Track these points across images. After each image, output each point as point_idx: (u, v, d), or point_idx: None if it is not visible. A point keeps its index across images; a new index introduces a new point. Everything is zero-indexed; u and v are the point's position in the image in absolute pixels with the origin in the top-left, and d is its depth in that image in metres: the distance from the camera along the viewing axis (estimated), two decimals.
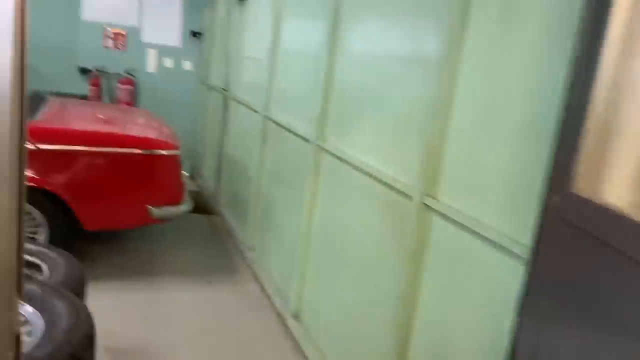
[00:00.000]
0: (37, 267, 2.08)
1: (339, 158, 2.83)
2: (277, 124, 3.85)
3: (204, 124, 6.34)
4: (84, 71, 5.89)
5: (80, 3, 5.78)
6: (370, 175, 2.48)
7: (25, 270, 2.11)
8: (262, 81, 4.13)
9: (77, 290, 1.96)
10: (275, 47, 3.95)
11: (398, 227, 2.24)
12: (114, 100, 6.07)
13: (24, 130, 0.97)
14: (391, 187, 2.29)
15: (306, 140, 3.24)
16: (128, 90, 6.02)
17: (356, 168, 2.63)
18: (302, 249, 3.24)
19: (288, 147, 3.67)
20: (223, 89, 5.42)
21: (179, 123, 5.80)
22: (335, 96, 2.97)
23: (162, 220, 3.69)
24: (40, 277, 1.99)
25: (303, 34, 3.61)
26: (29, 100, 3.79)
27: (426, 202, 2.05)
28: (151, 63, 6.19)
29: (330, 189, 2.99)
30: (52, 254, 2.12)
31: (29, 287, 1.67)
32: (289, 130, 3.58)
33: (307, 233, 3.21)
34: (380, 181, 2.39)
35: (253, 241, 4.31)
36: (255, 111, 4.31)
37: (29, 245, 2.15)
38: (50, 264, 2.05)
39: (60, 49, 5.79)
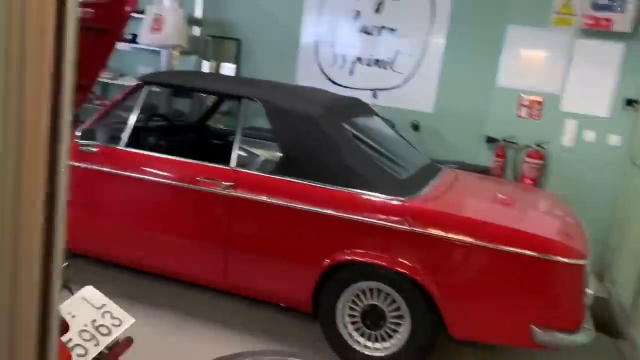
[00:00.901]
0: None
1: None
2: None
3: (624, 214, 4.98)
4: (490, 140, 5.48)
5: (498, 68, 5.43)
6: None
7: None
8: None
9: None
10: None
11: None
12: (517, 176, 5.42)
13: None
14: None
15: None
16: (536, 165, 5.27)
17: None
18: None
19: None
20: None
21: (590, 207, 4.78)
22: None
23: (546, 346, 2.78)
24: None
25: None
26: (423, 171, 3.53)
27: None
28: (568, 135, 5.28)
29: None
30: None
31: None
32: None
33: None
34: None
35: None
36: None
37: None
38: None
39: (470, 116, 5.56)
